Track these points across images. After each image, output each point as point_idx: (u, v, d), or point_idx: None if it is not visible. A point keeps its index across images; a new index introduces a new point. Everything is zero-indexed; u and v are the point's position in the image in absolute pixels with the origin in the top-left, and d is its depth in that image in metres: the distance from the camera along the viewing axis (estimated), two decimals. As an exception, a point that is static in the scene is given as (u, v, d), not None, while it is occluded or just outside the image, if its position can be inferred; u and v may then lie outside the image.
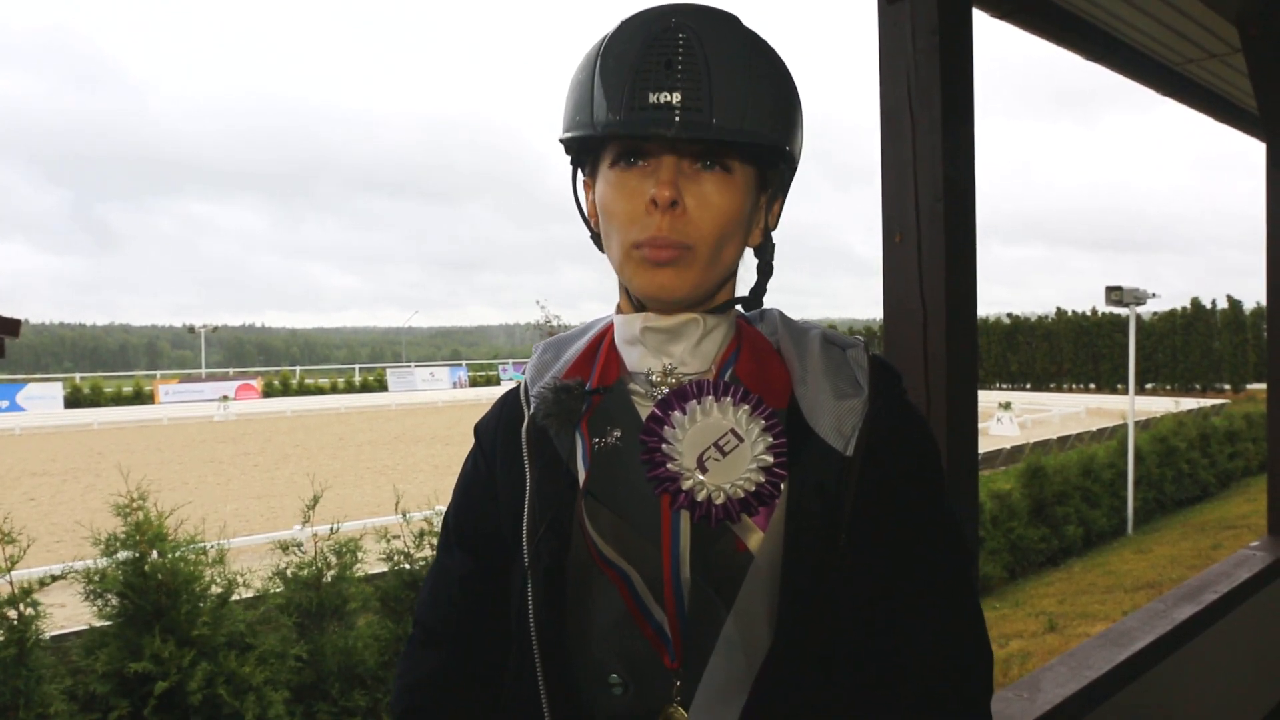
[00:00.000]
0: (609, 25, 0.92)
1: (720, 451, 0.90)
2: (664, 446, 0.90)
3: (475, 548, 1.02)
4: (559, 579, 0.92)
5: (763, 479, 0.89)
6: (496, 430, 1.03)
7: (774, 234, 1.00)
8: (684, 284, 0.90)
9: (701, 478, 0.89)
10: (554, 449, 0.95)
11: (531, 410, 0.97)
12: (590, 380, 0.97)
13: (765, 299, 1.02)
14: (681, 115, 0.84)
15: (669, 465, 0.89)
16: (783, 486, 0.90)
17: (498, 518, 0.99)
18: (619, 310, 1.00)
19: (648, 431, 0.91)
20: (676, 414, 0.91)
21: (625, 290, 0.97)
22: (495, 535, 1.00)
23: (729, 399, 0.91)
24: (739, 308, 1.01)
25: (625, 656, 0.91)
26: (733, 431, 0.90)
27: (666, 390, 0.94)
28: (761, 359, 0.97)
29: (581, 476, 0.92)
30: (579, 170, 0.99)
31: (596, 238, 0.97)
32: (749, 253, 0.98)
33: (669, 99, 0.84)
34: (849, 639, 0.92)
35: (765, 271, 1.00)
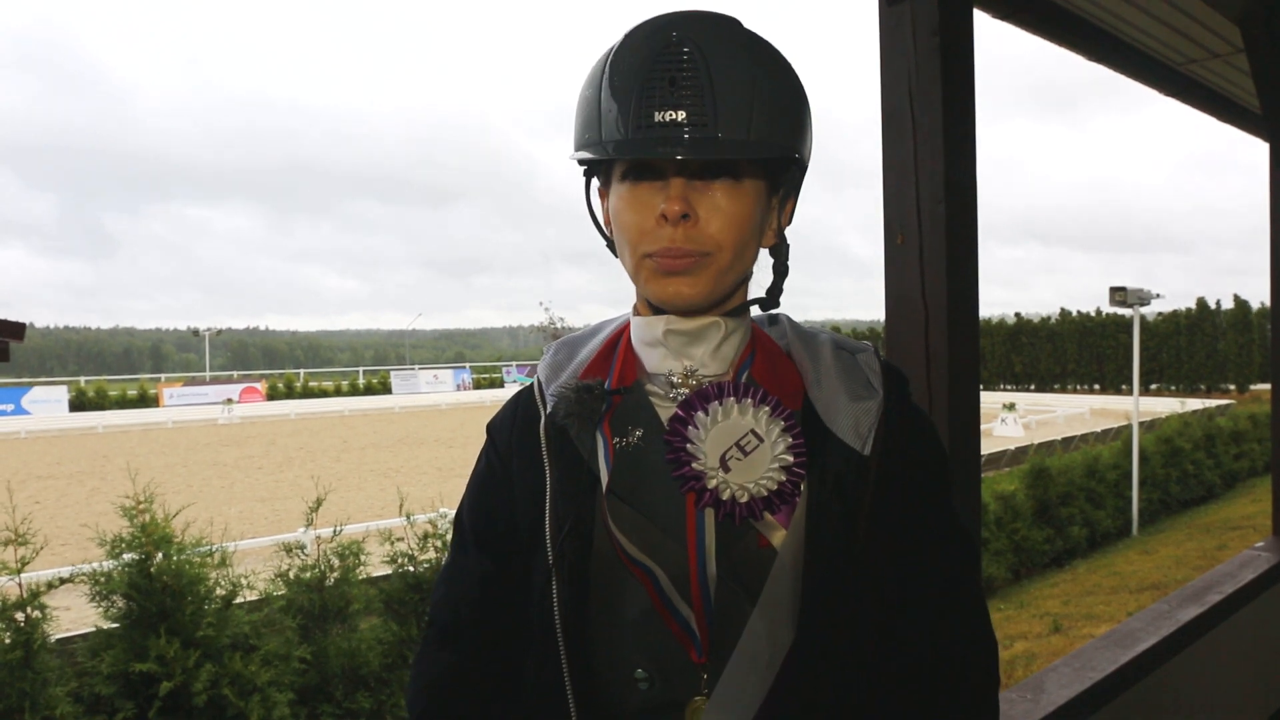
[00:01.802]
0: (614, 38, 0.93)
1: (742, 451, 0.92)
2: (688, 446, 0.92)
3: (491, 546, 1.03)
4: (583, 577, 0.93)
5: (784, 478, 0.92)
6: (512, 428, 1.04)
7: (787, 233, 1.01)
8: (699, 291, 0.92)
9: (725, 476, 0.91)
10: (574, 448, 0.96)
11: (550, 409, 0.98)
12: (610, 380, 0.98)
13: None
14: (687, 133, 0.86)
15: (693, 465, 0.91)
16: (802, 486, 0.93)
17: (514, 515, 1.00)
18: (636, 312, 1.02)
19: (672, 432, 0.93)
20: (699, 414, 0.93)
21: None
22: (511, 533, 1.00)
23: (749, 400, 0.94)
24: (755, 309, 1.02)
25: (651, 652, 0.92)
26: (753, 432, 0.93)
27: (687, 392, 0.95)
28: (775, 362, 1.00)
29: (605, 476, 0.93)
30: (593, 179, 1.01)
31: (612, 245, 1.00)
32: (763, 253, 1.00)
33: (674, 117, 0.86)
34: (867, 631, 0.95)
35: (781, 271, 1.02)
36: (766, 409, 0.94)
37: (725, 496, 0.90)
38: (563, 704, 0.94)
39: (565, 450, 0.96)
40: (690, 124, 0.86)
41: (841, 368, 0.99)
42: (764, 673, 0.90)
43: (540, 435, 0.98)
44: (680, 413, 0.93)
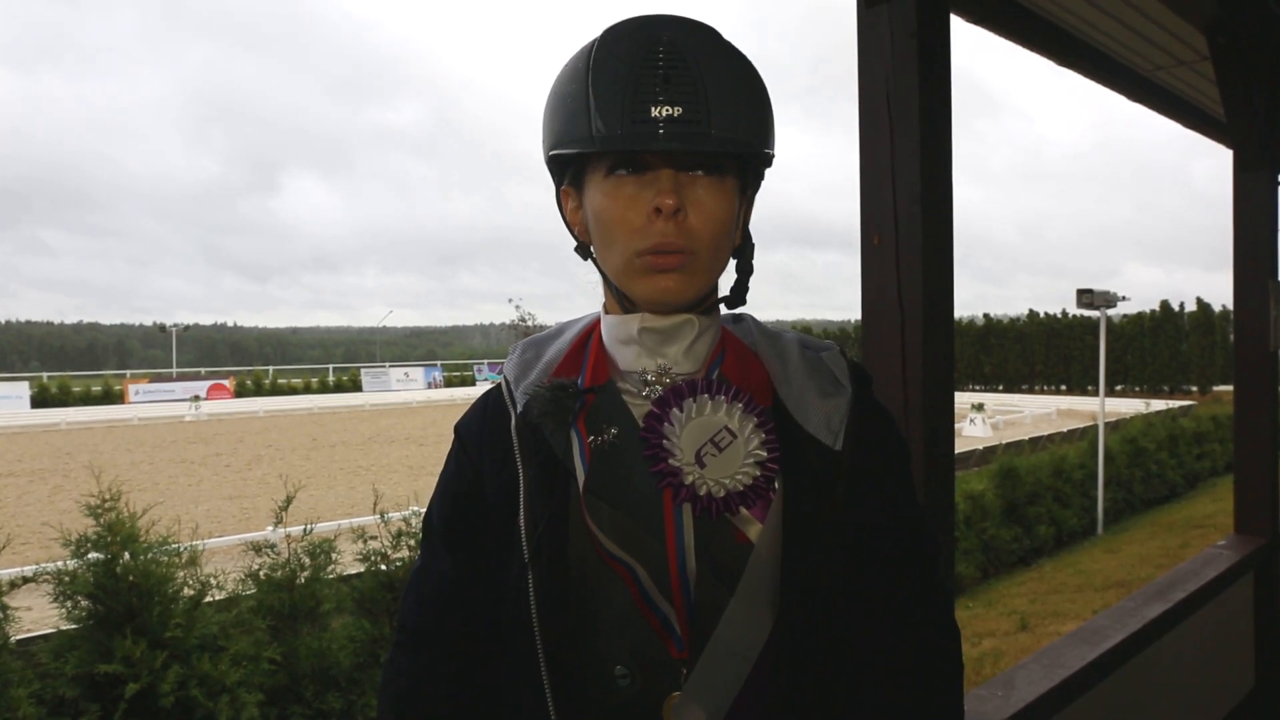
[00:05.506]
0: (590, 37, 0.94)
1: (716, 447, 0.94)
2: (664, 443, 0.93)
3: (461, 547, 1.02)
4: (560, 575, 0.94)
5: (758, 473, 0.93)
6: (481, 429, 1.03)
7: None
8: (688, 288, 0.94)
9: (701, 472, 0.92)
10: (547, 447, 0.96)
11: (522, 409, 0.98)
12: (582, 379, 0.99)
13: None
14: (683, 128, 0.88)
15: (670, 461, 0.92)
16: (776, 481, 0.94)
17: (485, 516, 1.00)
18: (606, 311, 1.02)
19: (649, 429, 0.94)
20: (675, 411, 0.94)
21: (614, 292, 0.99)
22: (482, 534, 1.00)
23: (722, 397, 0.96)
24: (723, 307, 1.04)
25: (632, 649, 0.93)
26: (727, 428, 0.95)
27: (660, 390, 0.97)
28: (744, 360, 1.02)
29: (581, 474, 0.94)
30: (560, 181, 1.01)
31: (582, 247, 1.01)
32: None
33: (670, 112, 0.88)
34: (842, 621, 0.97)
35: (746, 270, 1.03)
36: (740, 406, 0.95)
37: (702, 492, 0.91)
38: (541, 703, 0.94)
39: (539, 449, 0.96)
40: (686, 119, 0.88)
41: (808, 366, 1.01)
42: (740, 665, 0.91)
43: (512, 434, 0.98)
44: (656, 410, 0.95)
